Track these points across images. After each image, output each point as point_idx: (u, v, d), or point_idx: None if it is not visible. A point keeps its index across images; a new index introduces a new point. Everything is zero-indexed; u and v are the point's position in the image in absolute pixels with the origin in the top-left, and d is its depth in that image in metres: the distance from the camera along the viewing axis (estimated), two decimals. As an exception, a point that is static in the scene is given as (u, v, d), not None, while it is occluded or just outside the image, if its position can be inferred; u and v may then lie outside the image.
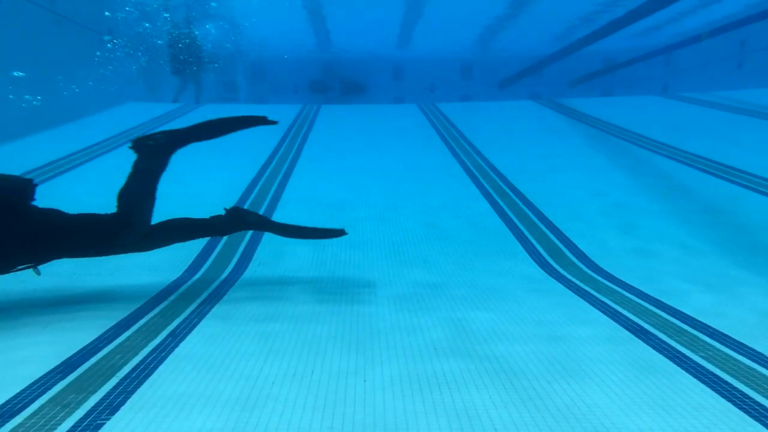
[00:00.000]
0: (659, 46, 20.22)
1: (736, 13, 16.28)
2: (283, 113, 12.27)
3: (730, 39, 16.93)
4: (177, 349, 2.82)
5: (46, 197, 6.13)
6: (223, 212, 3.77)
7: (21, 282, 4.04)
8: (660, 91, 18.48)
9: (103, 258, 4.51)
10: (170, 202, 6.01)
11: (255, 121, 3.65)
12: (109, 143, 8.85)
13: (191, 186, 6.50)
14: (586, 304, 3.59)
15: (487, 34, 19.76)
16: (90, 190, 6.41)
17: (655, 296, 3.69)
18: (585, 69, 21.50)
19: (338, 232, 3.93)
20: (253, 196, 6.38)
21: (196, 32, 16.31)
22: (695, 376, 2.53)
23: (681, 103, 13.13)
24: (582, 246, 4.89)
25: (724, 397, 2.34)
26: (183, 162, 8.30)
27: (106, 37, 12.55)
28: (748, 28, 16.09)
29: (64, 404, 2.26)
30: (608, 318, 3.31)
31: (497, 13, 17.43)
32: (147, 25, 16.26)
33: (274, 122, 3.69)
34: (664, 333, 3.05)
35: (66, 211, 3.35)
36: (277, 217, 5.70)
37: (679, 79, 20.08)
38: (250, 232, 5.21)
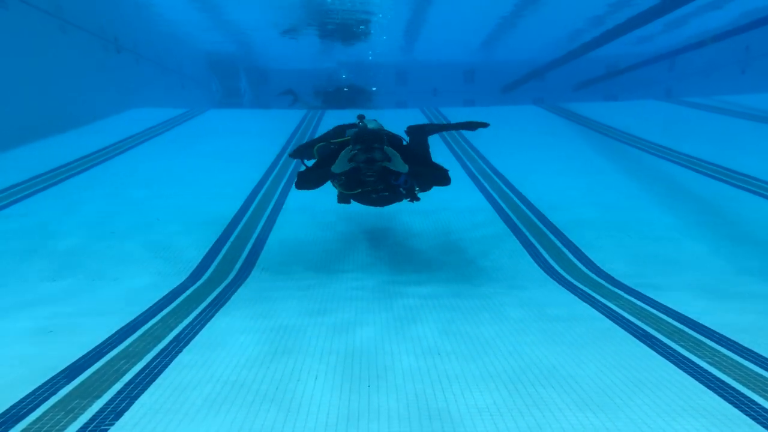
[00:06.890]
0: (663, 50, 20.22)
1: (740, 18, 16.29)
2: (287, 118, 12.31)
3: (735, 44, 16.93)
4: (181, 355, 2.83)
5: (56, 200, 6.18)
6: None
7: (23, 284, 4.06)
8: (663, 96, 18.46)
9: (107, 263, 4.53)
10: (172, 204, 6.06)
11: None
12: (115, 148, 8.89)
13: (195, 190, 6.53)
14: (593, 309, 3.57)
15: (491, 38, 19.79)
16: (97, 193, 6.45)
17: (660, 301, 3.68)
18: (588, 73, 21.51)
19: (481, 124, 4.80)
20: (256, 202, 6.39)
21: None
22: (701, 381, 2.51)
23: (684, 107, 13.12)
24: (585, 250, 4.88)
25: (730, 402, 2.32)
26: (187, 166, 8.25)
27: (112, 44, 12.64)
28: (752, 33, 16.09)
29: (68, 409, 2.26)
30: (612, 322, 3.30)
31: (501, 18, 17.45)
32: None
33: None
34: (670, 338, 3.04)
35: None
36: (280, 223, 5.70)
37: (683, 84, 20.07)
38: (254, 238, 5.23)
